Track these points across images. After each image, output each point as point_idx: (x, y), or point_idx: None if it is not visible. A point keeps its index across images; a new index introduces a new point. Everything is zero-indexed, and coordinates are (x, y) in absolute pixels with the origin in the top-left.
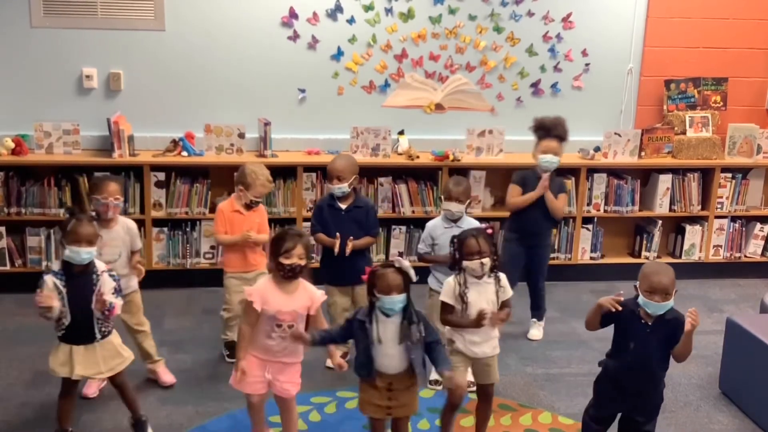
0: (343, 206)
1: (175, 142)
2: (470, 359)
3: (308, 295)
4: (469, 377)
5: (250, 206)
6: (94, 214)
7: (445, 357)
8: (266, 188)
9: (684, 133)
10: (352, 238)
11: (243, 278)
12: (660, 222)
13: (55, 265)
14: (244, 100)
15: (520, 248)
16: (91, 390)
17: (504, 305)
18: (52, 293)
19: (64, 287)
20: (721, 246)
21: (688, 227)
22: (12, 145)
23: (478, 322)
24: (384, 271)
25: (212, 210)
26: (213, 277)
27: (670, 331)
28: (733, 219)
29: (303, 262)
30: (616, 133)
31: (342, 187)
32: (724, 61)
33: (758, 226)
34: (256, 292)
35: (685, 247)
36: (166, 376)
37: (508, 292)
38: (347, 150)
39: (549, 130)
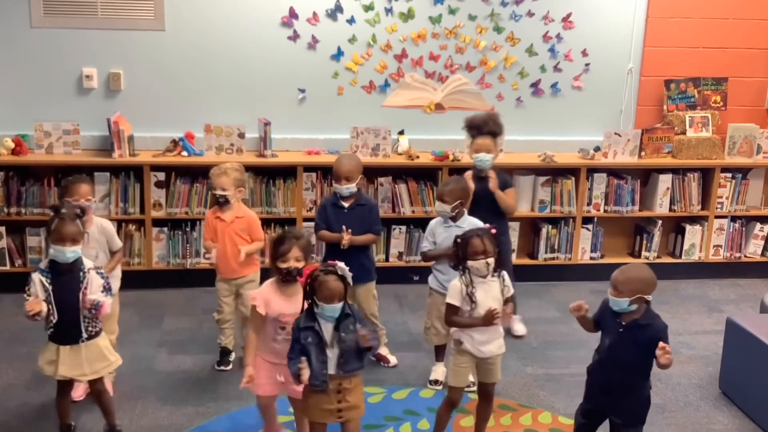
0: (346, 204)
1: (175, 142)
2: (476, 359)
3: None
4: (471, 378)
5: (221, 203)
6: (79, 211)
7: (366, 325)
8: (216, 176)
9: (684, 133)
10: (351, 231)
11: (231, 283)
12: (660, 222)
13: (43, 263)
14: (244, 100)
15: None
16: (77, 393)
17: (507, 301)
18: (38, 300)
19: (50, 285)
20: (721, 246)
21: (688, 227)
22: (12, 145)
23: (489, 320)
24: (326, 278)
25: None
26: (213, 277)
27: (645, 337)
28: (733, 219)
29: (301, 264)
30: (616, 133)
31: (350, 187)
32: (724, 61)
33: (758, 226)
34: (260, 296)
35: (685, 247)
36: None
37: (511, 289)
38: (347, 150)
39: (480, 128)
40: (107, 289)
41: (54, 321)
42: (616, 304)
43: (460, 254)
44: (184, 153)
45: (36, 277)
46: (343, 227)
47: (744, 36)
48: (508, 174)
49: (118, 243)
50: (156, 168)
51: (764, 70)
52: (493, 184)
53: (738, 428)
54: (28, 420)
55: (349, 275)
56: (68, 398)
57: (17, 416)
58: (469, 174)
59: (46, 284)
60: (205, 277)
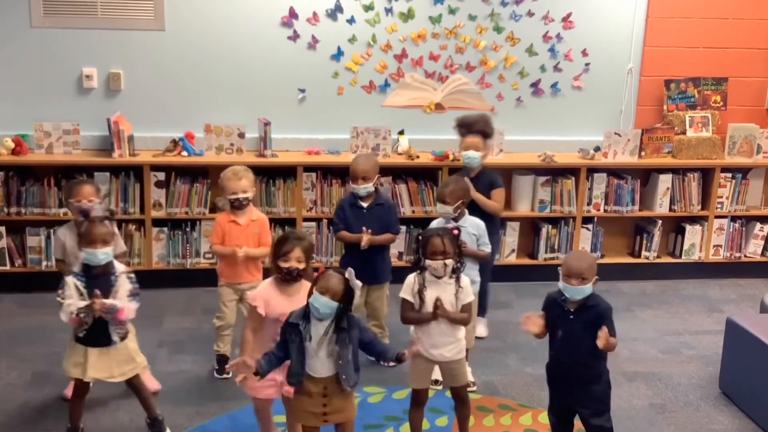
0: (365, 204)
1: (175, 142)
2: (431, 362)
3: None
4: (436, 375)
5: (237, 207)
6: (108, 213)
7: (386, 346)
8: (234, 180)
9: (684, 133)
10: (370, 231)
11: (235, 288)
12: (660, 222)
13: (77, 268)
14: (244, 100)
15: None
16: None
17: (464, 309)
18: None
19: (85, 288)
20: (721, 246)
21: (688, 227)
22: (12, 145)
23: (434, 312)
24: (331, 273)
25: (212, 210)
26: (213, 277)
27: (592, 318)
28: (733, 219)
29: (302, 266)
30: (616, 133)
31: (368, 187)
32: (724, 61)
33: (758, 225)
34: (260, 296)
35: (685, 247)
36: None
37: (468, 296)
38: (347, 150)
39: (470, 127)
40: (135, 295)
41: (88, 325)
42: (580, 293)
43: (419, 252)
44: (184, 153)
45: (71, 280)
46: (363, 228)
47: (744, 36)
48: (504, 174)
49: (122, 246)
50: (156, 168)
51: (764, 70)
52: (472, 191)
53: (738, 428)
54: (28, 420)
55: (356, 284)
56: (83, 401)
57: (17, 416)
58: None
59: (81, 288)
60: (205, 277)
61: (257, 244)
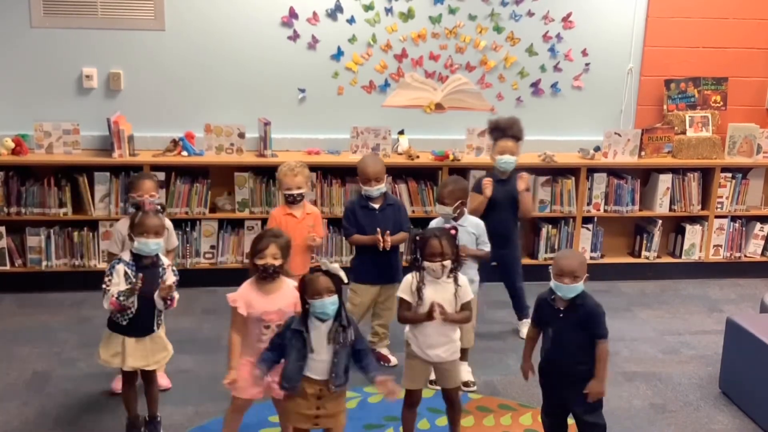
0: (377, 206)
1: (175, 142)
2: (426, 363)
3: (292, 293)
4: (435, 376)
5: (291, 201)
6: (159, 207)
7: (374, 363)
8: (290, 176)
9: (684, 132)
10: (389, 232)
11: (293, 278)
12: (660, 222)
13: (126, 255)
14: (244, 100)
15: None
16: (117, 386)
17: (464, 308)
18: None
19: (135, 277)
20: (721, 246)
21: (688, 227)
22: (12, 145)
23: (429, 314)
24: (312, 276)
25: (212, 210)
26: (213, 277)
27: (581, 316)
28: (733, 219)
29: (278, 262)
30: (616, 133)
31: (381, 188)
32: (724, 61)
33: (758, 225)
34: (239, 296)
35: (685, 246)
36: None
37: (468, 294)
38: (347, 150)
39: (505, 131)
40: (177, 287)
41: (132, 313)
42: (572, 291)
43: (417, 253)
44: (184, 153)
45: (121, 267)
46: (378, 230)
47: (744, 36)
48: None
49: (174, 241)
50: (156, 168)
51: (764, 70)
52: (523, 183)
53: (738, 428)
54: (28, 420)
55: (339, 272)
56: (135, 389)
57: (17, 416)
58: (488, 180)
59: (131, 275)
60: (206, 277)
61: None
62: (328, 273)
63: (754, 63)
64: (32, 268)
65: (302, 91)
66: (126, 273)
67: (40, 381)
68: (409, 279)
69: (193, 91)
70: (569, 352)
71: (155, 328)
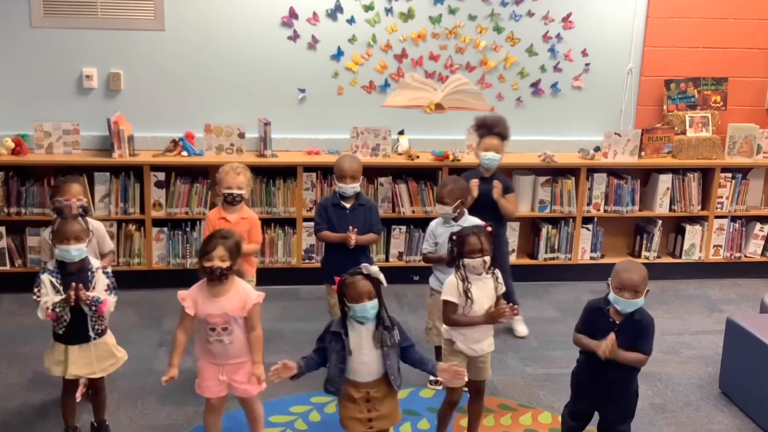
0: (348, 205)
1: (175, 142)
2: (468, 358)
3: (240, 297)
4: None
5: (230, 201)
6: (81, 210)
7: (426, 355)
8: (232, 174)
9: (684, 133)
10: (356, 230)
11: None
12: (660, 222)
13: (51, 264)
14: (244, 100)
15: None
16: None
17: (498, 300)
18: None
19: (61, 285)
20: (721, 246)
21: (688, 227)
22: (12, 145)
23: (494, 318)
24: (353, 279)
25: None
26: None
27: (635, 331)
28: (733, 219)
29: (225, 265)
30: (616, 133)
31: (355, 187)
32: (724, 61)
33: (758, 226)
34: (189, 296)
35: (685, 247)
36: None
37: (503, 287)
38: (347, 150)
39: (490, 128)
40: (112, 288)
41: (66, 321)
42: (632, 306)
43: (455, 252)
44: (184, 153)
45: (45, 278)
46: (350, 227)
47: (744, 36)
48: (508, 175)
49: (110, 245)
50: (156, 168)
51: (764, 70)
52: (497, 193)
53: (738, 428)
54: (28, 420)
55: (380, 275)
56: (74, 398)
57: (17, 416)
58: (475, 182)
59: (57, 284)
60: None
61: (248, 242)
62: (368, 277)
63: (754, 63)
64: (32, 268)
65: (302, 91)
66: (51, 282)
67: (40, 381)
68: (454, 281)
69: (192, 91)
70: (617, 363)
71: (91, 333)
